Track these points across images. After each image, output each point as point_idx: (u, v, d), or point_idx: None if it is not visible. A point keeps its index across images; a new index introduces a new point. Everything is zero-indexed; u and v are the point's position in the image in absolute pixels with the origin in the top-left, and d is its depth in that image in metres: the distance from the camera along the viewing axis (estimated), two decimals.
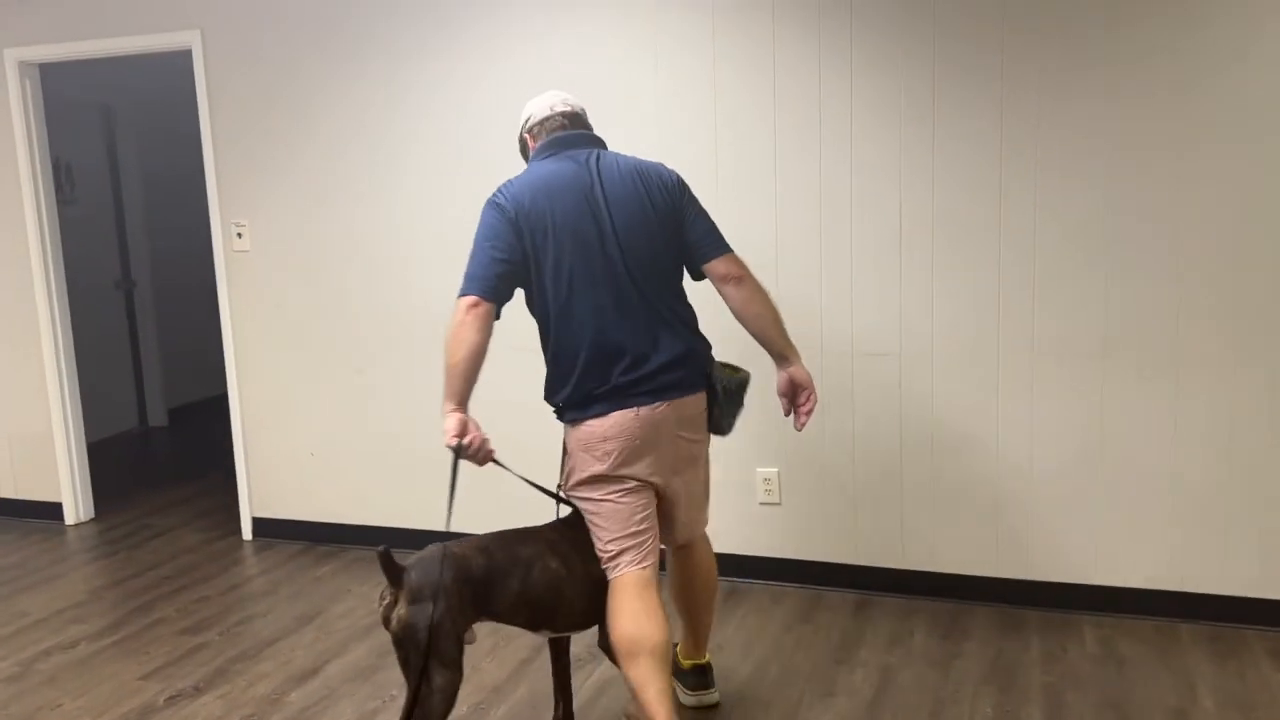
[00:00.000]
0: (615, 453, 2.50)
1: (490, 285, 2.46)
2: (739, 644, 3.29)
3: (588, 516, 2.57)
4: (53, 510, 4.83)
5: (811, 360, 3.57)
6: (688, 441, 2.61)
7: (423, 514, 4.20)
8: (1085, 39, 3.17)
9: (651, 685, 2.43)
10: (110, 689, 3.16)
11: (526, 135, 2.73)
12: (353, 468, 4.28)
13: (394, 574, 2.30)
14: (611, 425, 2.49)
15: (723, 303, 2.64)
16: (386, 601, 2.32)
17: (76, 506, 4.82)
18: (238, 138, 4.24)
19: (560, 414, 2.59)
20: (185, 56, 4.33)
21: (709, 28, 3.54)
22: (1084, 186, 3.23)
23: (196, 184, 4.65)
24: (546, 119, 2.68)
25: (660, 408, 2.51)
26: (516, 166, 3.92)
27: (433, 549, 2.38)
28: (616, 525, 2.53)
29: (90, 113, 6.24)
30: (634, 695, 2.47)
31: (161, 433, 6.67)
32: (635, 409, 2.49)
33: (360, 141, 4.06)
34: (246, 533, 4.51)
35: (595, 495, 2.54)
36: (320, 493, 4.37)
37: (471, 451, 2.40)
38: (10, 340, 4.78)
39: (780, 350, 2.65)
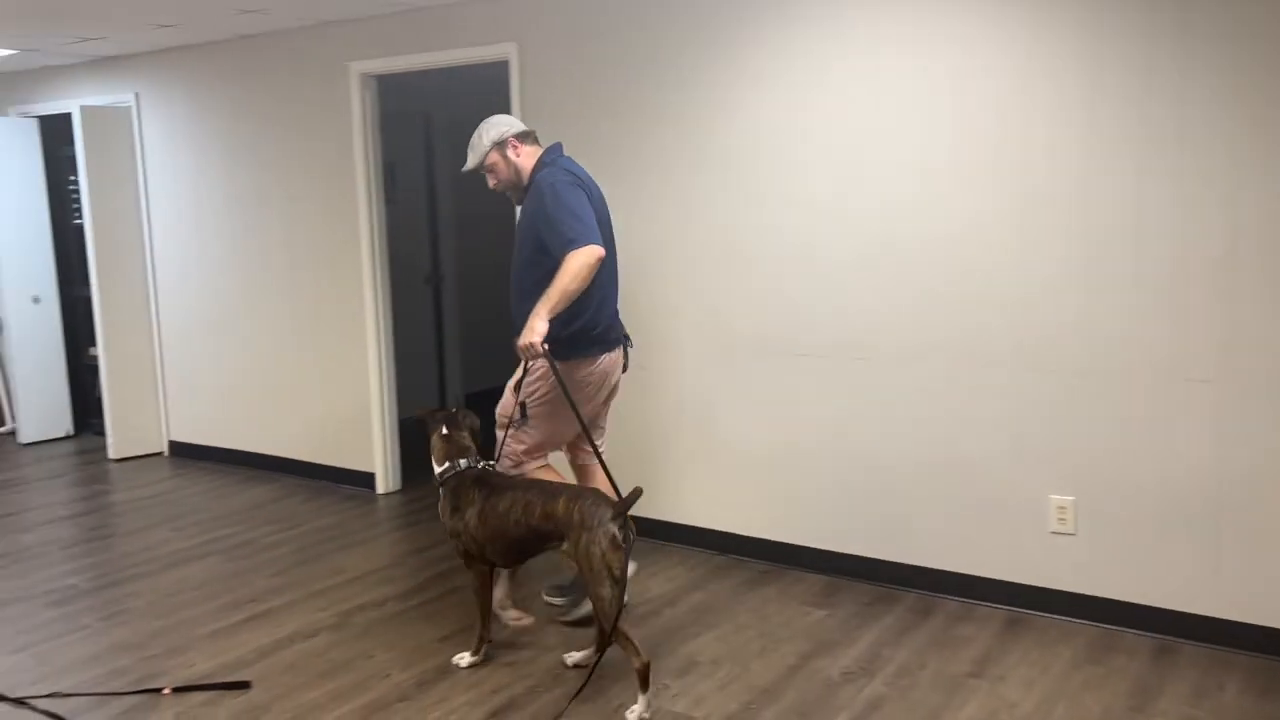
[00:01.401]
0: (599, 385, 3.46)
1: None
2: (1021, 677, 3.12)
3: (536, 420, 3.42)
4: (366, 479, 5.34)
5: (1123, 385, 3.33)
6: (617, 378, 3.56)
7: (708, 511, 4.29)
8: None
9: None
10: (413, 646, 3.45)
11: (515, 139, 3.42)
12: (634, 458, 4.43)
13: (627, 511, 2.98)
14: (604, 363, 3.43)
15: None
16: (628, 533, 2.95)
17: (387, 477, 5.30)
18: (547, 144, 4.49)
19: (562, 350, 3.25)
20: (501, 67, 4.65)
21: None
22: None
23: None
24: (524, 131, 3.46)
25: (622, 350, 3.54)
26: (831, 175, 3.91)
27: (583, 489, 3.15)
28: (553, 434, 3.50)
29: (412, 120, 6.83)
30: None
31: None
32: (611, 353, 3.45)
33: (676, 152, 4.19)
34: None
35: (553, 412, 3.40)
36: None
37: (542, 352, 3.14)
38: (340, 328, 5.32)
39: None
